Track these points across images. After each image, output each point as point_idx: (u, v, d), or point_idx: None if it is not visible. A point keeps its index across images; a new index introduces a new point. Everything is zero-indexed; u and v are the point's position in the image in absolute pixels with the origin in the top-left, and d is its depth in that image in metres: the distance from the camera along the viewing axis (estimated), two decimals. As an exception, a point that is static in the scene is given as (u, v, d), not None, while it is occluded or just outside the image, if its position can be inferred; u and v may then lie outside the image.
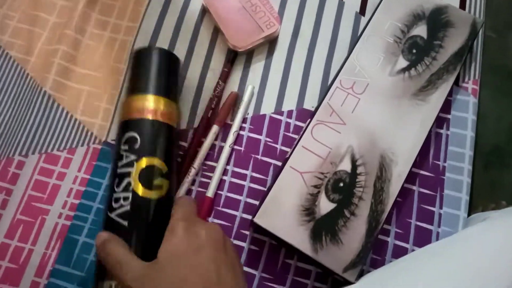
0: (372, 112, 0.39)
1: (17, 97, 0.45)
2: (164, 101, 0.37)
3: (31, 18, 0.48)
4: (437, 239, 0.41)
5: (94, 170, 0.42)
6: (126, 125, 0.36)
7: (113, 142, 0.43)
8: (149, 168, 0.34)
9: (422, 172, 0.42)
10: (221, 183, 0.42)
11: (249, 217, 0.41)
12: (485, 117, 0.46)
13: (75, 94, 0.45)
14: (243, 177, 0.42)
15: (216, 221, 0.41)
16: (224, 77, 0.44)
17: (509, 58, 0.49)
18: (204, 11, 0.47)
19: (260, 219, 0.37)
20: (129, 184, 0.33)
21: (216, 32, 0.47)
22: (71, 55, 0.46)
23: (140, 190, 0.33)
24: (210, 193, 0.41)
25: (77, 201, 0.41)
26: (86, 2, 0.47)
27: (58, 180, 0.42)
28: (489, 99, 0.47)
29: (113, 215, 0.33)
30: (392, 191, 0.37)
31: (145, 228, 0.33)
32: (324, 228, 0.36)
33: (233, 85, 0.45)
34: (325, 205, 0.37)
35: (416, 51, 0.41)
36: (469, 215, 0.43)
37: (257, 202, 0.41)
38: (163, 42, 0.46)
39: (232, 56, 0.45)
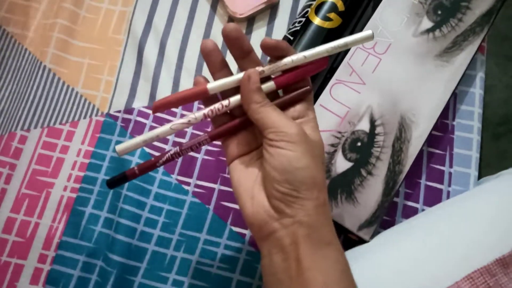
0: (393, 73, 0.39)
1: (17, 72, 0.44)
2: None
3: (26, -7, 0.47)
4: (448, 198, 0.40)
5: (98, 142, 0.42)
6: None
7: (116, 114, 0.43)
8: (327, 3, 0.40)
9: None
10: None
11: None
12: (493, 87, 0.45)
13: (76, 68, 0.44)
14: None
15: (223, 188, 0.40)
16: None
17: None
18: (203, -22, 0.46)
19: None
20: (306, 12, 0.40)
21: (216, -1, 0.46)
22: (69, 28, 0.45)
23: (312, 17, 0.40)
24: None
25: (82, 173, 0.41)
26: (82, -26, 0.46)
27: (62, 153, 0.42)
28: (497, 69, 0.46)
29: (286, 33, 0.41)
30: (411, 152, 0.37)
31: (306, 47, 0.38)
32: (340, 187, 0.36)
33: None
34: (341, 164, 0.37)
35: (441, 12, 0.40)
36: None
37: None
38: (162, 11, 0.45)
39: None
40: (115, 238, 0.39)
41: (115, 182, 0.29)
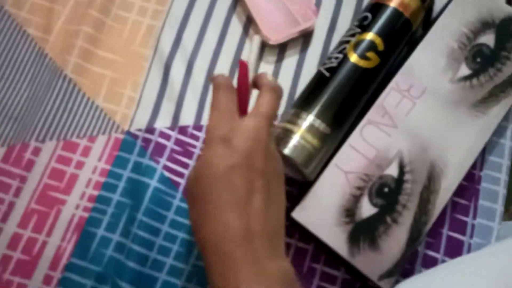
0: (427, 118, 0.38)
1: (35, 79, 0.42)
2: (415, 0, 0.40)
3: (51, -6, 0.45)
4: (469, 250, 0.39)
5: (116, 160, 0.40)
6: (369, 7, 0.41)
7: (136, 132, 0.41)
8: (366, 41, 0.38)
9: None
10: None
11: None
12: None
13: (97, 79, 0.42)
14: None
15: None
16: None
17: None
18: (237, -2, 0.45)
19: (298, 214, 0.35)
20: (344, 48, 0.39)
21: (249, 22, 0.44)
22: (94, 36, 0.43)
23: (350, 54, 0.38)
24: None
25: (96, 192, 0.39)
26: (111, -19, 0.45)
27: (77, 169, 0.40)
28: None
29: (322, 68, 0.39)
30: (438, 203, 0.36)
31: (341, 85, 0.37)
32: (363, 232, 0.35)
33: (263, 79, 0.43)
34: (367, 209, 0.36)
35: (480, 60, 0.39)
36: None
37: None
38: (192, 29, 0.44)
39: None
40: (125, 264, 0.37)
41: None
